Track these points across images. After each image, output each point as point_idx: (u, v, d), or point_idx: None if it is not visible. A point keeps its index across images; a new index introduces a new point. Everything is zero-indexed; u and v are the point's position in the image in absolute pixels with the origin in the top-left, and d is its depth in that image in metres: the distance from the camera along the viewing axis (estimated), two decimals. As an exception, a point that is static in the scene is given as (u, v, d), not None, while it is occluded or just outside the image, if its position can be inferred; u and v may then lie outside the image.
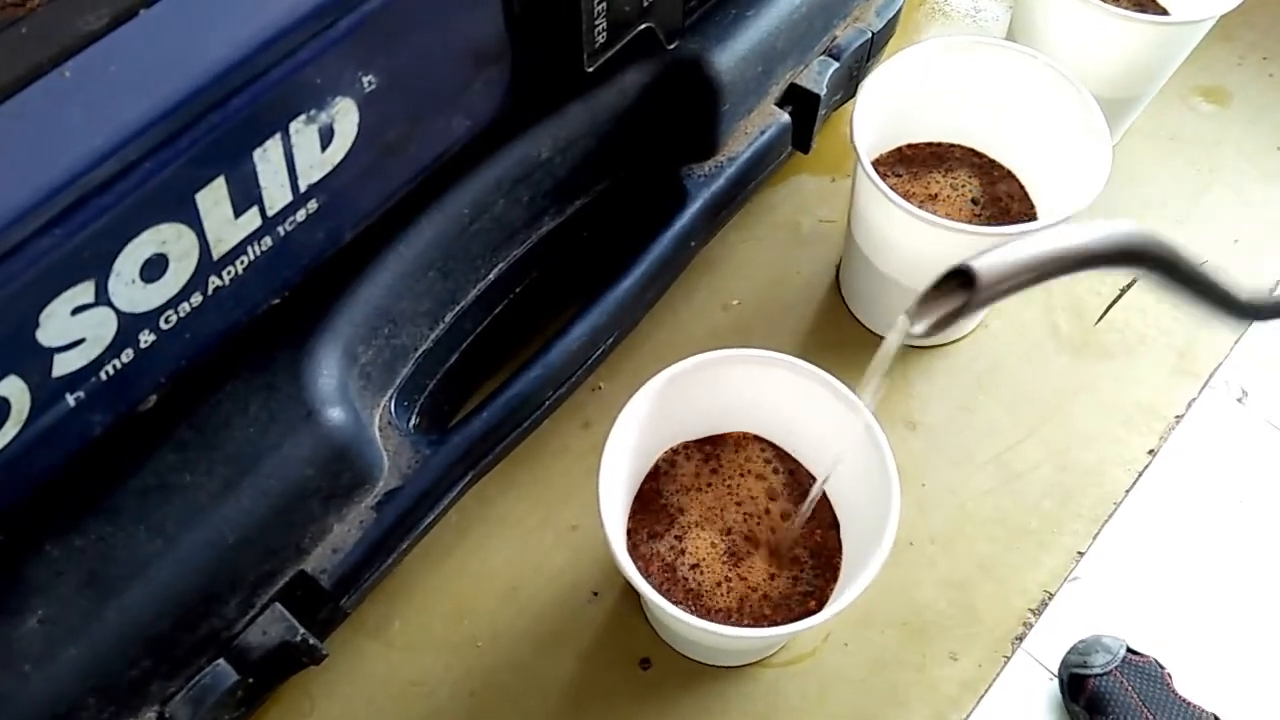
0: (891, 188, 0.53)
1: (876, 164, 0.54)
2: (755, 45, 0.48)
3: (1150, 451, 0.53)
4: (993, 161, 0.55)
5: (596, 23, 0.39)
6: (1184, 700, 0.45)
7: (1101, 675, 0.46)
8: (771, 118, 0.52)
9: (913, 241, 0.48)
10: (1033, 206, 0.53)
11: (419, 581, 0.49)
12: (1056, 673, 0.48)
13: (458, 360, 0.47)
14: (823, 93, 0.52)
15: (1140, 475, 0.53)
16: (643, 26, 0.42)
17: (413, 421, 0.45)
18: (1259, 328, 0.57)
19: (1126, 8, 0.60)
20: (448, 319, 0.45)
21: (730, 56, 0.47)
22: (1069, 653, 0.47)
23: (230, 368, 0.37)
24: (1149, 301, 0.58)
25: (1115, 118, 0.60)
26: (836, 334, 0.57)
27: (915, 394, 0.55)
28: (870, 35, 0.55)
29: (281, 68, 0.30)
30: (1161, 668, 0.46)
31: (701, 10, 0.46)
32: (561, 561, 0.49)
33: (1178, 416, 0.54)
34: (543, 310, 0.52)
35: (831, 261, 0.59)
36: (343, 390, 0.39)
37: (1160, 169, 0.63)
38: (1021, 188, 0.54)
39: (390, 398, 0.44)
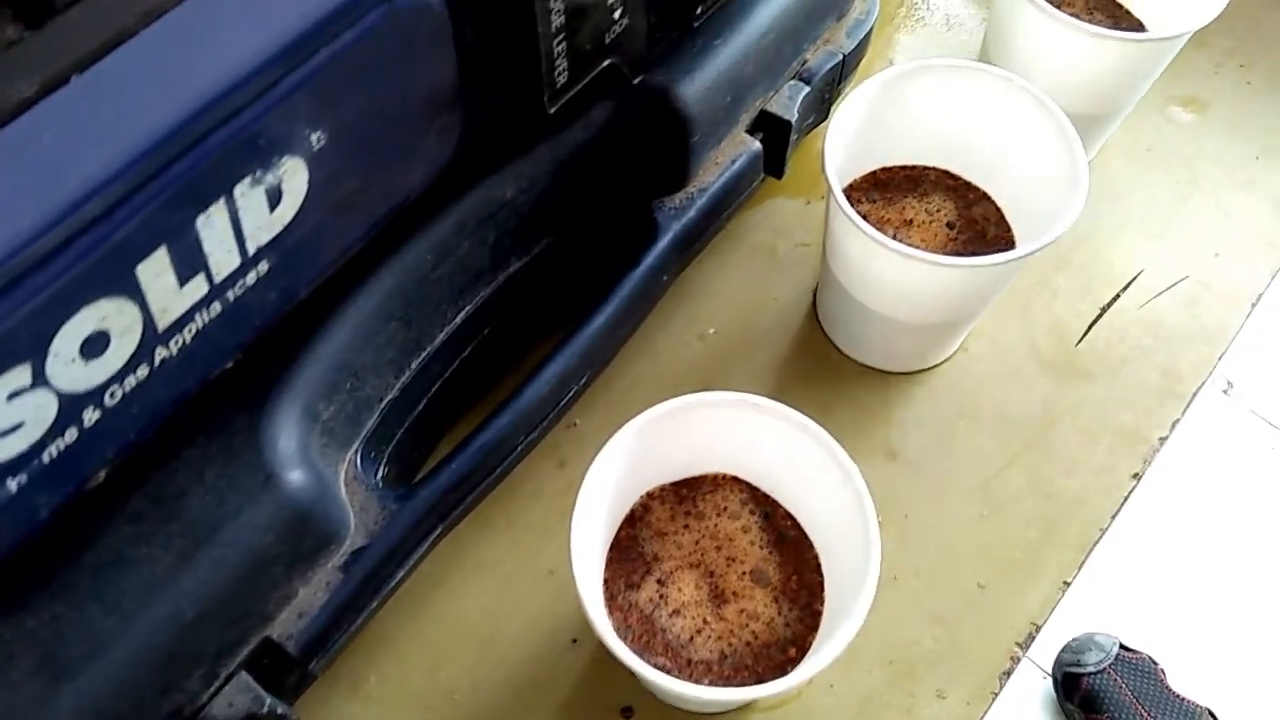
0: (866, 214, 0.52)
1: (850, 189, 0.53)
2: (723, 74, 0.47)
3: (1135, 476, 0.53)
4: (968, 184, 0.54)
5: (557, 63, 0.37)
6: (1178, 696, 0.45)
7: (1095, 674, 0.45)
8: (743, 146, 0.51)
9: (888, 272, 0.47)
10: (1009, 229, 0.52)
11: (394, 632, 0.48)
12: (1050, 671, 0.47)
13: (426, 406, 0.46)
14: (794, 118, 0.51)
15: (1125, 500, 0.52)
16: (606, 63, 0.41)
17: (380, 473, 0.44)
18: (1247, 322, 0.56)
19: (1102, 22, 0.60)
20: (413, 366, 0.44)
21: (698, 87, 0.46)
22: (1062, 651, 0.47)
23: (185, 433, 0.36)
24: (1130, 320, 0.57)
25: (1092, 132, 0.59)
26: (815, 362, 0.56)
27: (895, 421, 0.54)
28: (841, 57, 0.54)
29: (222, 132, 0.29)
30: (1155, 664, 0.46)
31: (666, 42, 0.45)
32: (539, 607, 0.48)
33: (1161, 439, 0.54)
34: (512, 351, 0.50)
35: (808, 286, 0.58)
36: (303, 451, 0.38)
37: (1138, 182, 0.62)
38: (998, 210, 0.53)
39: (356, 450, 0.42)
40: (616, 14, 0.39)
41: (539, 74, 0.37)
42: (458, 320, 0.45)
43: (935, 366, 0.55)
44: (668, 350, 0.56)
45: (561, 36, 0.37)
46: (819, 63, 0.53)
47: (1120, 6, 0.60)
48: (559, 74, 0.38)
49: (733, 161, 0.50)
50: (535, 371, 0.45)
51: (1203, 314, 0.57)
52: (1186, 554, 0.51)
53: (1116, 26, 0.59)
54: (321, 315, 0.39)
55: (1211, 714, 0.44)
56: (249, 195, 0.31)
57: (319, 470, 0.39)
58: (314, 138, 0.32)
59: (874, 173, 0.54)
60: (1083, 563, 0.50)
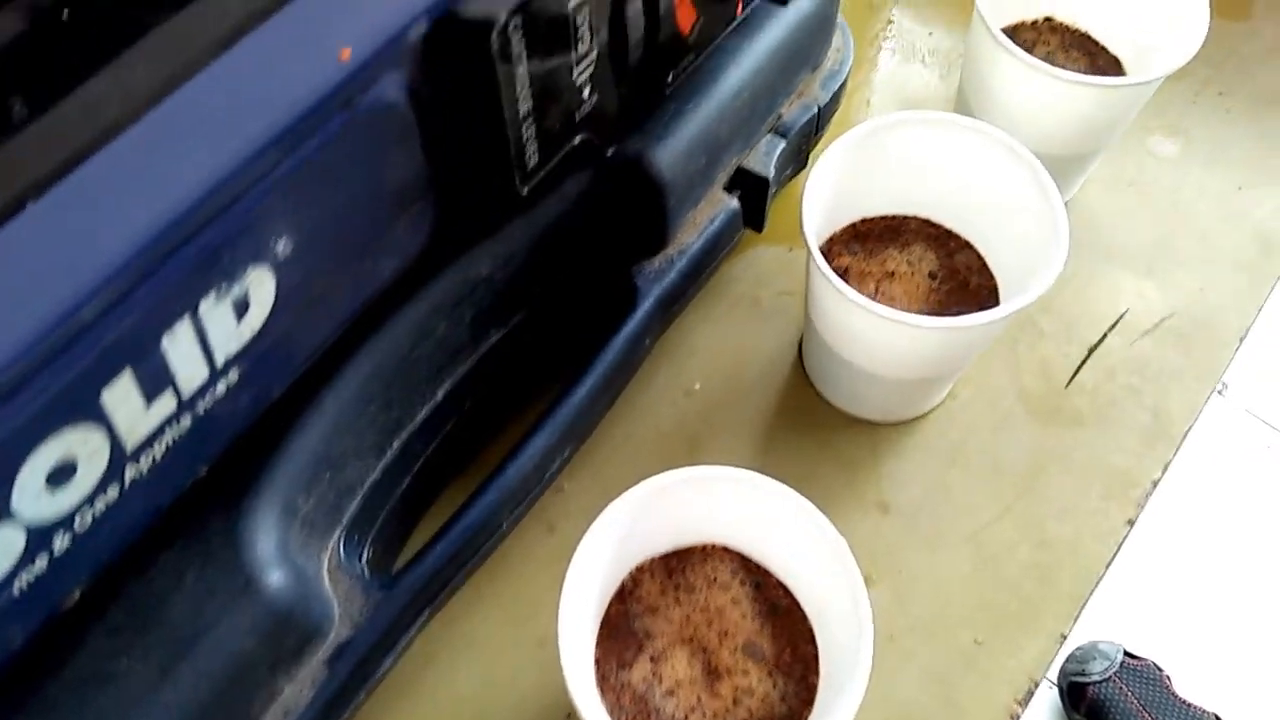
0: (847, 267, 0.52)
1: (831, 241, 0.53)
2: (697, 138, 0.47)
3: (1129, 521, 0.52)
4: (949, 232, 0.53)
5: (526, 147, 0.37)
6: (1184, 702, 0.44)
7: (1100, 682, 0.45)
8: (721, 205, 0.50)
9: (871, 332, 0.46)
10: (992, 277, 0.52)
11: (382, 715, 0.47)
12: (1056, 681, 0.46)
13: (409, 484, 0.45)
14: (771, 175, 0.51)
15: (1120, 547, 0.51)
16: (578, 139, 0.41)
17: (365, 555, 0.43)
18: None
19: (1078, 60, 0.59)
20: (394, 446, 0.44)
21: (672, 153, 0.46)
22: (1067, 661, 0.46)
23: (162, 538, 0.35)
24: (1118, 360, 0.57)
25: (1072, 172, 0.59)
26: (802, 414, 0.55)
27: (886, 473, 0.53)
28: (817, 109, 0.53)
29: (185, 251, 0.28)
30: (1160, 670, 0.45)
31: (639, 111, 0.45)
32: (531, 683, 0.48)
33: (1154, 482, 0.53)
34: (495, 422, 0.50)
35: (793, 336, 0.57)
36: (283, 548, 0.37)
37: (1121, 217, 0.62)
38: (980, 259, 0.52)
39: (338, 538, 0.42)
40: (585, 92, 0.39)
41: (509, 159, 0.37)
42: (438, 397, 0.45)
43: (925, 415, 0.55)
44: (653, 408, 0.56)
45: (530, 120, 0.36)
46: (794, 116, 0.53)
47: (1095, 42, 0.60)
48: (529, 157, 0.37)
49: (711, 221, 0.50)
50: (517, 448, 0.45)
51: (1191, 351, 0.57)
52: (1188, 557, 0.50)
53: (1093, 64, 0.59)
54: (297, 409, 0.39)
55: (1218, 718, 0.44)
56: (215, 309, 0.30)
57: (300, 567, 0.38)
58: (280, 245, 0.31)
59: (854, 224, 0.54)
60: (1079, 614, 0.50)
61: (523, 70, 0.34)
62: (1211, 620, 0.48)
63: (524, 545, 0.51)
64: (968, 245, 0.53)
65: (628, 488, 0.42)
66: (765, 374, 0.57)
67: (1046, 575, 0.51)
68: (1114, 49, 0.59)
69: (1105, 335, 0.58)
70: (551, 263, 0.46)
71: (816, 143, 0.57)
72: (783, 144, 0.52)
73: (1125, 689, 0.45)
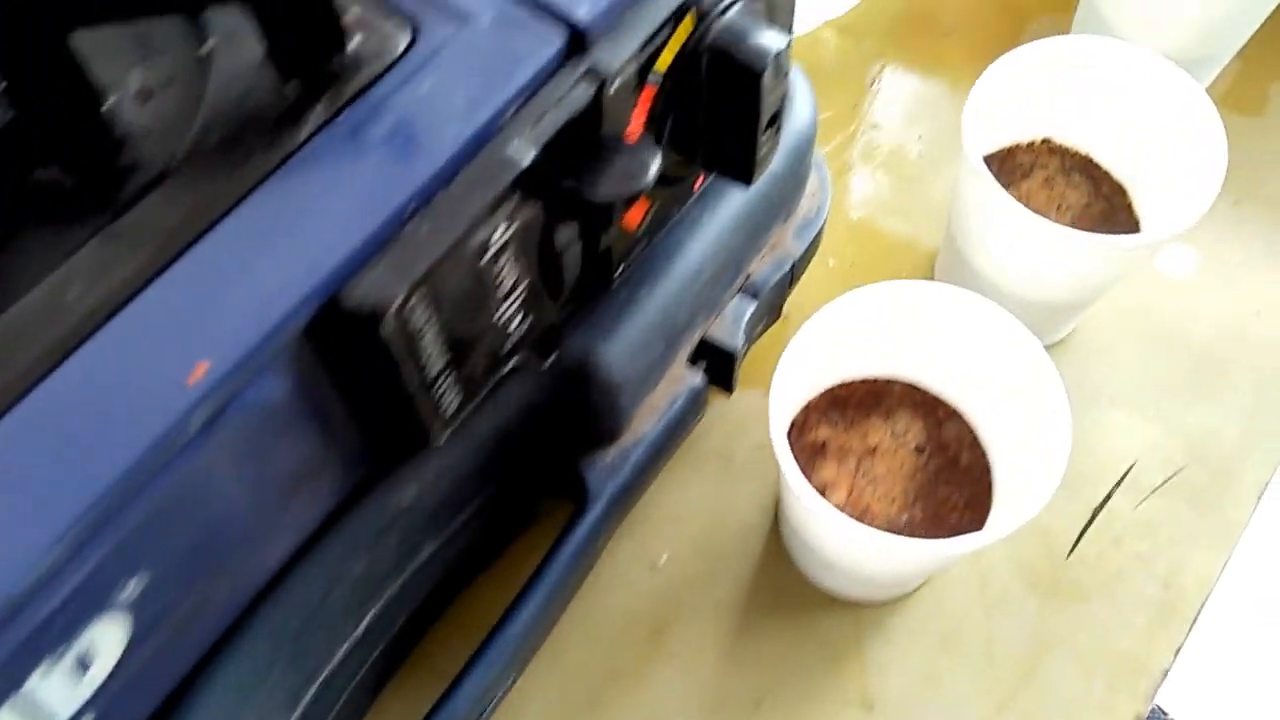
0: (825, 442, 0.47)
1: (807, 410, 0.48)
2: (653, 326, 0.41)
3: (1138, 718, 0.47)
4: (936, 399, 0.48)
5: (441, 401, 0.32)
6: None
7: None
8: (682, 383, 0.45)
9: (847, 543, 0.42)
10: (984, 454, 0.47)
11: None
12: None
13: (332, 724, 0.40)
14: (739, 344, 0.46)
15: (1128, 752, 0.47)
16: (510, 365, 0.35)
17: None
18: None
19: (1079, 185, 0.54)
20: (309, 695, 0.39)
21: (623, 348, 0.41)
22: None
23: None
24: (1126, 524, 0.52)
25: (1071, 317, 0.54)
26: (780, 591, 0.50)
27: (871, 663, 0.49)
28: (791, 265, 0.48)
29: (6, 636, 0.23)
30: None
31: (582, 308, 0.40)
32: None
33: (1164, 671, 0.48)
34: (427, 634, 0.45)
35: (770, 499, 0.52)
36: None
37: (1127, 353, 0.56)
38: (971, 431, 0.47)
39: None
40: (514, 324, 0.34)
41: (419, 423, 0.31)
42: (360, 630, 0.40)
43: (914, 593, 0.50)
44: (616, 585, 0.51)
45: (444, 376, 0.31)
46: (766, 274, 0.47)
47: (1098, 166, 0.54)
48: (445, 409, 0.32)
49: (672, 403, 0.45)
50: (456, 683, 0.40)
51: (1206, 510, 0.52)
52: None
53: (1097, 191, 0.54)
54: (183, 694, 0.34)
55: None
56: (50, 674, 0.25)
57: None
58: (130, 586, 0.26)
59: (832, 389, 0.49)
60: (1084, 836, 0.45)
61: (430, 338, 0.29)
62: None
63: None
64: (956, 414, 0.48)
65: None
66: (739, 544, 0.52)
67: (1047, 787, 0.46)
68: (1118, 174, 0.54)
69: (1111, 493, 0.52)
70: (489, 471, 0.41)
71: (791, 290, 0.51)
72: (753, 306, 0.47)
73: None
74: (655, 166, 0.30)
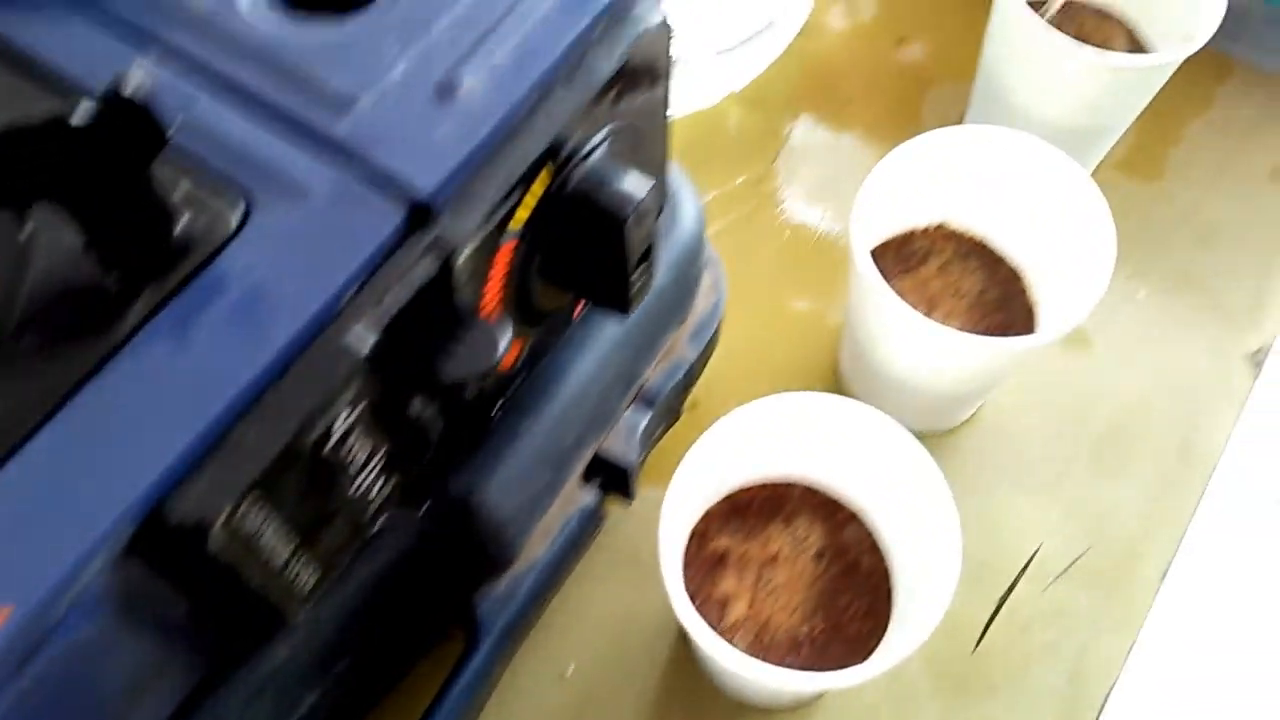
0: (725, 551, 0.47)
1: (707, 518, 0.47)
2: (538, 453, 0.40)
3: (1046, 819, 0.47)
4: (836, 502, 0.48)
5: (294, 586, 0.31)
6: None
7: None
8: (575, 504, 0.44)
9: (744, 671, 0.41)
10: (883, 559, 0.46)
11: None
12: None
13: None
14: (634, 459, 0.45)
15: None
16: (376, 527, 0.34)
17: None
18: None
19: (977, 273, 0.54)
20: None
21: (507, 480, 0.39)
22: None
23: None
24: (1033, 611, 0.52)
25: (966, 407, 0.53)
26: (691, 701, 0.49)
27: (779, 771, 0.48)
28: (688, 367, 0.47)
29: None
30: None
31: (458, 450, 0.38)
32: None
33: (1072, 768, 0.48)
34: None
35: (676, 600, 0.51)
36: None
37: (1030, 432, 0.56)
38: (870, 535, 0.47)
39: None
40: (375, 490, 0.32)
41: (274, 610, 0.30)
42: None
43: (815, 701, 0.49)
44: (520, 699, 0.49)
45: (295, 561, 0.30)
46: (661, 381, 0.47)
47: (993, 251, 0.54)
48: (300, 589, 0.31)
49: (565, 525, 0.44)
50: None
51: (1111, 593, 0.52)
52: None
53: (991, 277, 0.54)
54: None
55: None
56: None
57: None
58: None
59: (732, 495, 0.48)
60: None
61: (271, 533, 0.28)
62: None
63: None
64: (855, 518, 0.47)
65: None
66: (648, 650, 0.51)
67: None
68: (1013, 259, 0.54)
69: (1016, 580, 0.52)
70: (370, 617, 0.39)
71: (690, 391, 0.51)
72: (649, 415, 0.46)
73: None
74: (505, 342, 0.29)
